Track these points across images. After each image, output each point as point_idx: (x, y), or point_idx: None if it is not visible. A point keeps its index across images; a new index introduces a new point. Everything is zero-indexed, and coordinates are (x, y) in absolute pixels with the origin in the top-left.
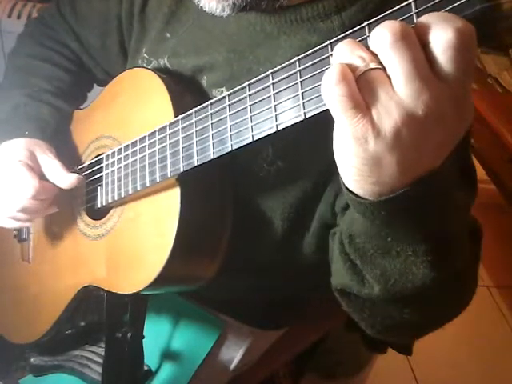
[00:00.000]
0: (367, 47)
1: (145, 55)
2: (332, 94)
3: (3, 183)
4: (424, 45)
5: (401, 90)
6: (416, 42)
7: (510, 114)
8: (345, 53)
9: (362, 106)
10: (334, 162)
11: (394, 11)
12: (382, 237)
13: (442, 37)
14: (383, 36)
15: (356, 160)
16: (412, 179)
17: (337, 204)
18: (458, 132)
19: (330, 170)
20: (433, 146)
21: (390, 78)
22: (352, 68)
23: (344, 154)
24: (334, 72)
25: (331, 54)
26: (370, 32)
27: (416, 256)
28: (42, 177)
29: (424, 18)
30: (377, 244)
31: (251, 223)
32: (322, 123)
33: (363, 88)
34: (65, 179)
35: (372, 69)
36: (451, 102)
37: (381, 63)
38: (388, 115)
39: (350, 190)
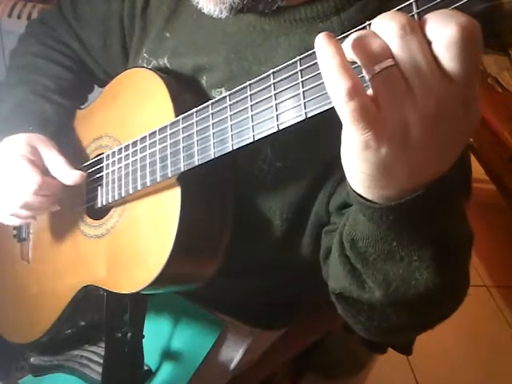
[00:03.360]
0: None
1: (145, 55)
2: (344, 110)
3: (5, 178)
4: (428, 43)
5: (415, 89)
6: (423, 37)
7: (510, 114)
8: (358, 47)
9: (373, 113)
10: (331, 161)
11: (395, 11)
12: (388, 241)
13: (445, 33)
14: (391, 28)
15: (366, 165)
16: (420, 183)
17: (331, 203)
18: (466, 134)
19: (327, 170)
20: (441, 148)
21: (403, 77)
22: (366, 65)
23: (353, 159)
24: (346, 87)
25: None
26: None
27: (421, 261)
28: (44, 172)
29: (426, 17)
30: (381, 248)
31: (251, 224)
32: (321, 124)
33: (378, 89)
34: (69, 175)
35: (387, 67)
36: (459, 102)
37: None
38: (401, 117)
39: (358, 194)
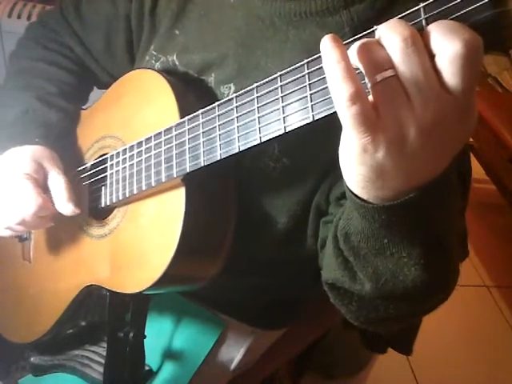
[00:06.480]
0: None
1: (153, 52)
2: (346, 114)
3: (5, 194)
4: (431, 55)
5: (414, 100)
6: (425, 51)
7: (510, 114)
8: (362, 55)
9: (373, 118)
10: (335, 158)
11: (403, 16)
12: (379, 238)
13: (449, 48)
14: (394, 40)
15: (363, 168)
16: (415, 185)
17: (332, 194)
18: (461, 140)
19: (331, 167)
20: (436, 153)
21: (403, 87)
22: (368, 73)
23: (351, 162)
24: (349, 92)
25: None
26: None
27: (409, 258)
28: (46, 190)
29: (431, 28)
30: (372, 244)
31: (256, 222)
32: (328, 122)
33: (378, 97)
34: (66, 207)
35: (388, 77)
36: (455, 113)
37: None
38: (399, 125)
39: (353, 193)
